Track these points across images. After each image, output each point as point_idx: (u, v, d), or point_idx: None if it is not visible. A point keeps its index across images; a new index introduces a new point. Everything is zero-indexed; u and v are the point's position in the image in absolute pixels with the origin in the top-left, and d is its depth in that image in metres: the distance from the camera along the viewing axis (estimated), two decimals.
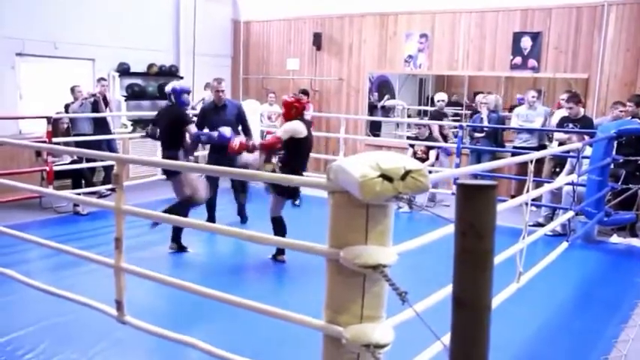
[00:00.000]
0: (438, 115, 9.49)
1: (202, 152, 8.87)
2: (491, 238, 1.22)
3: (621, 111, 7.30)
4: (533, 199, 5.18)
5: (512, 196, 7.68)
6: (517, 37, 9.10)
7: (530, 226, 5.05)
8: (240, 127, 6.91)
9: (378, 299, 2.21)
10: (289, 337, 3.79)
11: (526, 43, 9.03)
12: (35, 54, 9.01)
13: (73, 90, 8.53)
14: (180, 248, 6.18)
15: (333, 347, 2.25)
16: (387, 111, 11.83)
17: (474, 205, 1.19)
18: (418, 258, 5.17)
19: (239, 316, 4.05)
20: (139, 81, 10.60)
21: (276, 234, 5.57)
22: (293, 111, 5.70)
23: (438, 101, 9.56)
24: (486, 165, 5.29)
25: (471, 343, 1.27)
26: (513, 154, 7.56)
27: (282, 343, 3.96)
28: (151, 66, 10.73)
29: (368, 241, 2.13)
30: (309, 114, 10.45)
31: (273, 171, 5.59)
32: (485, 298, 1.25)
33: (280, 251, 5.87)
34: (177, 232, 6.16)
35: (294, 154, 5.71)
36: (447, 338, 1.35)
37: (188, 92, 6.45)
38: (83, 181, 8.15)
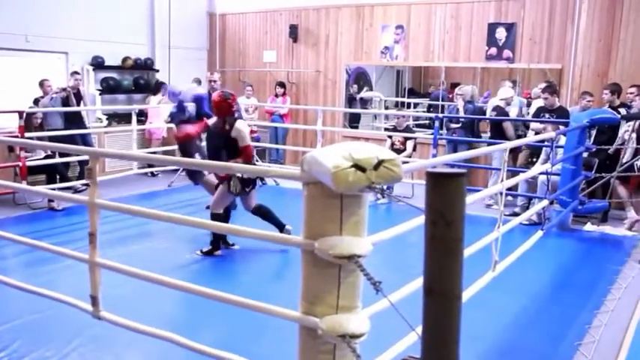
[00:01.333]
0: (503, 113, 8.39)
1: None
2: (461, 225, 1.22)
3: (589, 101, 7.56)
4: (508, 189, 5.24)
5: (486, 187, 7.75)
6: (492, 28, 9.17)
7: (506, 215, 5.12)
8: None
9: (353, 289, 2.21)
10: (268, 329, 3.80)
11: (501, 34, 9.09)
12: (6, 47, 8.84)
13: (42, 84, 8.39)
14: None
15: (310, 338, 2.25)
16: (364, 103, 11.85)
17: (443, 193, 1.20)
18: (395, 248, 5.22)
19: (218, 309, 4.05)
20: (114, 75, 10.47)
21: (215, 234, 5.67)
22: (224, 111, 5.56)
23: (501, 99, 8.47)
24: (460, 155, 5.31)
25: (443, 331, 1.28)
26: (489, 145, 7.62)
27: (260, 336, 3.95)
28: (125, 59, 10.61)
29: (343, 231, 2.13)
30: (285, 107, 10.51)
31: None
32: (455, 287, 1.26)
33: (215, 246, 5.79)
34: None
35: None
36: (420, 328, 1.36)
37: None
38: (58, 177, 8.03)
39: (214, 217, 5.60)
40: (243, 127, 5.54)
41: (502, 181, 4.34)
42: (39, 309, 4.16)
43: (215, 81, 7.23)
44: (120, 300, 3.67)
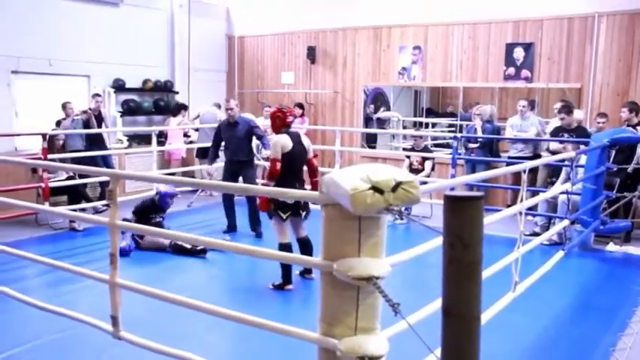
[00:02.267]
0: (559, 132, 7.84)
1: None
2: (479, 248, 1.23)
3: (602, 122, 7.60)
4: (528, 209, 5.20)
5: (508, 206, 7.70)
6: (510, 48, 9.17)
7: (526, 235, 5.07)
8: (254, 142, 7.75)
9: (372, 311, 2.21)
10: (288, 351, 3.79)
11: (519, 54, 9.09)
12: (30, 71, 9.03)
13: (64, 107, 8.53)
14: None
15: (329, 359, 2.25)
16: (382, 123, 11.88)
17: (461, 216, 1.20)
18: (414, 269, 5.19)
19: (238, 330, 4.05)
20: (134, 97, 10.63)
21: (283, 266, 5.38)
22: (277, 121, 5.51)
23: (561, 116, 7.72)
24: (479, 175, 5.29)
25: (462, 353, 1.28)
26: (508, 164, 7.58)
27: (279, 358, 3.94)
28: (146, 82, 10.77)
29: (361, 253, 2.14)
30: (304, 127, 10.55)
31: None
32: (474, 308, 1.26)
33: (286, 280, 5.46)
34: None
35: (282, 169, 5.36)
36: (439, 350, 1.36)
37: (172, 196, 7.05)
38: (80, 198, 8.13)
39: (280, 247, 5.34)
40: (275, 140, 5.44)
41: (521, 201, 4.31)
42: (60, 329, 4.19)
43: (232, 109, 7.27)
44: (139, 320, 3.69)
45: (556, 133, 7.79)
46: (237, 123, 7.42)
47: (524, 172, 4.33)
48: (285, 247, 5.36)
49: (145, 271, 5.99)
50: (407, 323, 2.01)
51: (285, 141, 5.37)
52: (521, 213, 4.28)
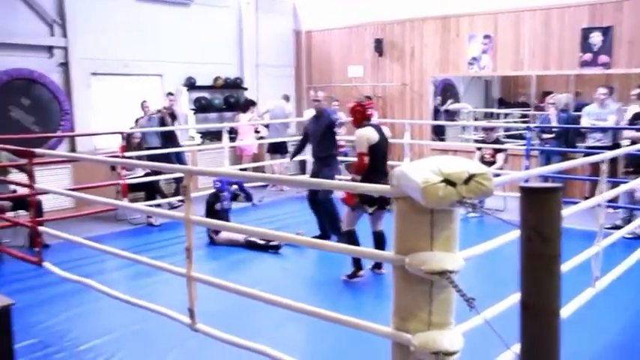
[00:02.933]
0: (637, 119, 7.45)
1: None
2: (558, 241, 1.19)
3: None
4: (609, 201, 4.98)
5: (586, 198, 7.41)
6: (586, 33, 8.79)
7: (607, 228, 4.86)
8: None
9: (445, 306, 2.18)
10: (361, 345, 3.79)
11: (596, 38, 8.71)
12: (107, 72, 9.41)
13: (142, 105, 8.90)
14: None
15: (402, 354, 2.24)
16: (451, 115, 11.66)
17: (539, 208, 1.17)
18: (487, 262, 5.08)
19: (311, 324, 4.09)
20: (205, 94, 10.89)
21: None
22: (358, 115, 5.48)
23: None
24: (554, 167, 5.10)
25: (542, 350, 1.24)
26: (585, 155, 7.29)
27: (352, 352, 3.95)
28: (216, 79, 11.00)
29: (434, 246, 2.11)
30: (374, 120, 10.48)
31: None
32: (553, 303, 1.22)
33: (357, 266, 5.46)
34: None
35: (368, 162, 5.28)
36: (517, 346, 1.33)
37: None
38: (156, 194, 8.42)
39: (345, 234, 5.46)
40: (360, 133, 5.35)
41: (601, 192, 4.14)
42: (139, 320, 4.35)
43: (318, 100, 7.15)
44: (215, 313, 3.79)
45: (634, 120, 7.42)
46: (321, 116, 6.95)
47: (603, 162, 4.16)
48: (350, 234, 5.41)
49: (219, 264, 6.14)
50: (482, 318, 1.97)
51: (370, 134, 5.33)
52: (600, 205, 4.11)
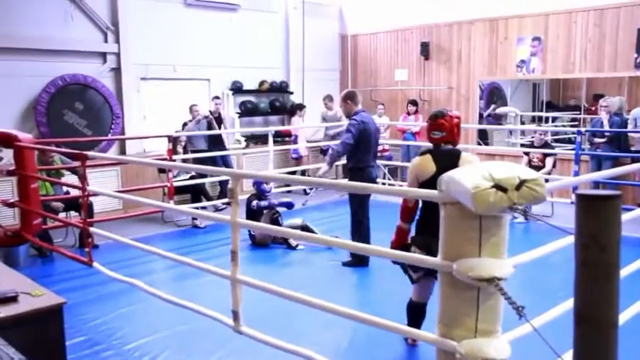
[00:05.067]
0: None
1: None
2: (616, 250, 1.14)
3: None
4: None
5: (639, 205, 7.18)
6: None
7: None
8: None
9: (493, 313, 2.14)
10: (405, 351, 3.76)
11: None
12: (157, 77, 9.60)
13: (191, 109, 9.04)
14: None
15: None
16: (498, 118, 11.47)
17: (596, 216, 1.12)
18: (535, 269, 4.97)
19: (355, 329, 4.07)
20: (251, 98, 10.98)
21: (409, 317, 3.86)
22: (457, 130, 3.82)
23: None
24: (606, 172, 4.95)
25: None
26: (636, 160, 7.05)
27: (393, 357, 3.91)
28: (262, 83, 11.09)
29: (482, 253, 2.07)
30: (417, 125, 10.39)
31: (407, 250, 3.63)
32: (611, 314, 1.17)
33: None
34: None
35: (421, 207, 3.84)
36: (568, 355, 1.28)
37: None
38: (201, 196, 8.53)
39: (409, 306, 3.93)
40: (412, 163, 3.82)
41: None
42: (185, 320, 4.41)
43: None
44: (258, 315, 3.80)
45: None
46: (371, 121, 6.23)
47: None
48: (416, 308, 3.85)
49: (264, 267, 6.17)
50: (532, 328, 1.91)
51: (423, 166, 3.64)
52: None
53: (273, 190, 7.80)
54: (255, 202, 6.97)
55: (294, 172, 9.71)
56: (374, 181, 6.30)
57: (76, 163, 5.63)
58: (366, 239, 5.95)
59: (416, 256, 2.78)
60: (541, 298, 3.16)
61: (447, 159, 3.58)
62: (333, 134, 10.32)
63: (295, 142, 10.56)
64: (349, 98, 6.16)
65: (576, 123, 10.54)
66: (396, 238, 3.81)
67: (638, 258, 3.79)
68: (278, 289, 3.19)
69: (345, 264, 6.08)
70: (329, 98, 10.83)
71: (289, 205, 7.20)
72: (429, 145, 3.83)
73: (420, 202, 3.74)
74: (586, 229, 1.14)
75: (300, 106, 10.82)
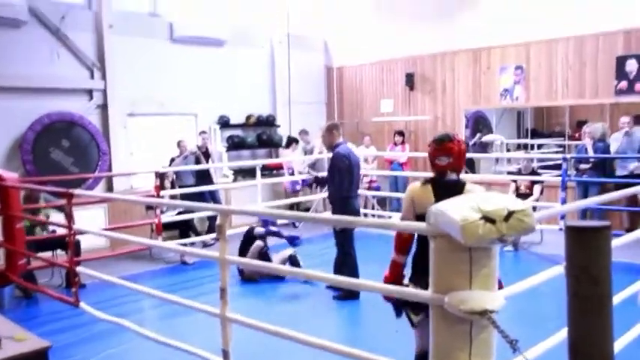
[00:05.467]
0: None
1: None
2: (608, 281, 1.13)
3: None
4: None
5: (627, 230, 7.20)
6: (621, 60, 8.67)
7: None
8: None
9: (486, 347, 2.11)
10: None
11: (632, 66, 8.57)
12: (144, 113, 9.60)
13: (179, 144, 9.02)
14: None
15: None
16: (484, 147, 11.54)
17: (587, 247, 1.11)
18: (525, 298, 4.94)
19: None
20: (238, 132, 11.00)
21: None
22: (463, 156, 3.40)
23: None
24: (595, 199, 4.98)
25: None
26: (624, 185, 7.10)
27: None
28: (249, 117, 11.13)
29: (472, 285, 2.06)
30: (404, 154, 10.45)
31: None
32: (605, 347, 1.16)
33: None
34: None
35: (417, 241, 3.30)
36: None
37: None
38: (189, 231, 8.46)
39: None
40: (407, 190, 3.40)
41: None
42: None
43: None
44: (249, 353, 3.74)
45: None
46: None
47: None
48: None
49: (254, 303, 6.08)
50: None
51: (421, 196, 3.20)
52: None
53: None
54: (257, 230, 6.99)
55: (292, 206, 9.96)
56: (357, 212, 6.35)
57: (63, 201, 5.58)
58: (354, 271, 5.96)
59: (406, 290, 2.75)
60: (532, 328, 3.13)
61: (451, 193, 2.68)
62: (311, 164, 10.47)
63: (292, 174, 10.57)
64: (335, 129, 6.26)
65: (561, 149, 10.62)
66: (390, 273, 3.33)
67: (628, 284, 3.79)
68: (268, 326, 3.15)
69: (335, 297, 6.02)
70: (305, 132, 11.13)
71: (294, 241, 6.96)
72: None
73: (416, 236, 3.25)
74: (577, 261, 1.13)
75: (296, 140, 10.96)
